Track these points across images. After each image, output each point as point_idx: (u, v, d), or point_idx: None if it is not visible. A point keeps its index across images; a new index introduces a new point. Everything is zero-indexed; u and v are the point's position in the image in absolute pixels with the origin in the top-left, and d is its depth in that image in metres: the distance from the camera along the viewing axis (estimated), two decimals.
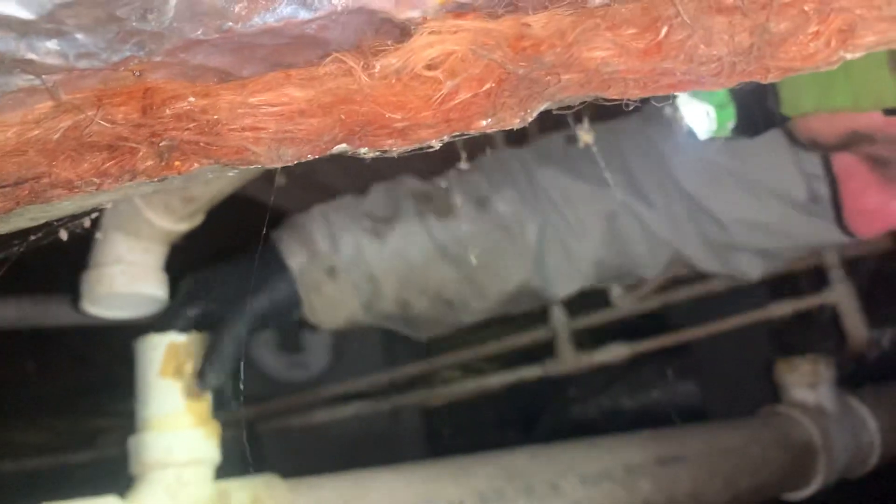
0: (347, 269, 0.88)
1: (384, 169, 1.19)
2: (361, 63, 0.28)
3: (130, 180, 0.29)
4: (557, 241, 0.94)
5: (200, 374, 0.73)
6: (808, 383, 1.10)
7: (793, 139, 0.72)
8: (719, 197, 0.92)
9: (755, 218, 0.92)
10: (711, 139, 0.68)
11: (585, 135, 0.78)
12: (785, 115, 0.62)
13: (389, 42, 0.28)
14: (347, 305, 0.90)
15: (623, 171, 0.93)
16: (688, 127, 0.67)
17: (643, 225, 0.94)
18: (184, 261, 0.86)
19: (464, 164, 0.91)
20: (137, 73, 0.28)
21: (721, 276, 1.22)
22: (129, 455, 0.71)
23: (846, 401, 1.14)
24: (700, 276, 1.43)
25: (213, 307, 0.81)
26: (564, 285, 0.97)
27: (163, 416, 0.72)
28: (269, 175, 0.96)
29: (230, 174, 0.54)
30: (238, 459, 0.74)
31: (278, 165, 0.30)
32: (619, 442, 0.93)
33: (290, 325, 0.93)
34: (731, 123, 0.65)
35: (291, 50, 0.29)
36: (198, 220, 0.82)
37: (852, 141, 0.63)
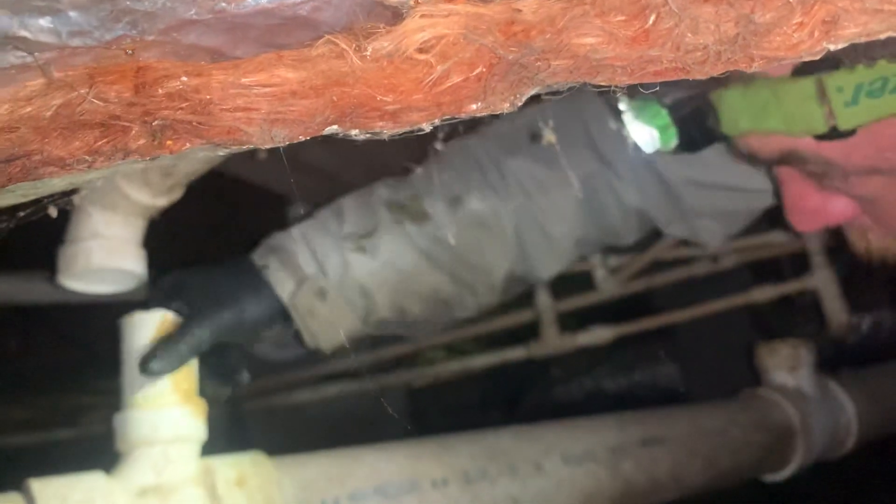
0: (338, 288, 0.90)
1: (372, 147, 1.19)
2: (353, 45, 0.28)
3: (122, 159, 0.29)
4: (535, 228, 0.96)
5: (146, 358, 0.72)
6: (788, 367, 1.12)
7: (734, 152, 0.75)
8: (674, 163, 0.95)
9: (706, 180, 0.96)
10: (657, 152, 0.72)
11: (549, 134, 0.81)
12: (725, 134, 0.65)
13: (381, 25, 0.29)
14: (344, 322, 0.92)
15: (589, 146, 0.96)
16: (634, 143, 0.71)
17: (615, 195, 0.97)
18: (163, 235, 0.86)
19: (436, 151, 0.94)
20: (130, 52, 0.28)
21: (685, 240, 1.26)
22: (114, 432, 0.71)
23: (825, 384, 1.16)
24: (683, 261, 1.44)
25: (187, 308, 0.81)
26: (549, 267, 1.00)
27: (149, 394, 0.72)
28: (249, 151, 0.96)
29: (220, 153, 0.54)
30: (224, 438, 0.74)
31: (270, 146, 0.30)
32: (602, 423, 0.94)
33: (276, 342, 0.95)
34: (673, 143, 0.68)
35: (284, 31, 0.29)
36: (176, 194, 0.82)
37: (787, 159, 0.67)
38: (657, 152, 0.71)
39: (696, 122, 0.67)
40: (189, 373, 0.75)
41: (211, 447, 0.72)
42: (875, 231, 0.74)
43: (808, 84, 0.57)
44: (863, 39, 0.26)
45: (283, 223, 1.37)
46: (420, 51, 0.28)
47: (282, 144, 0.30)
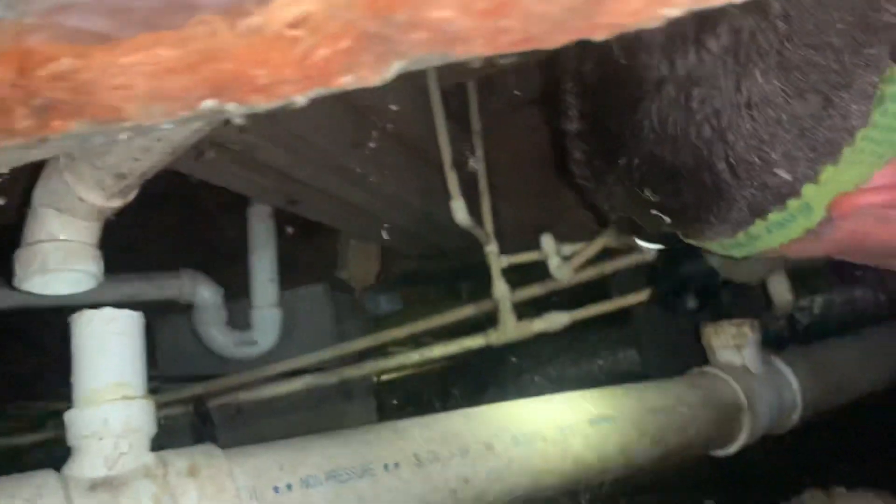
0: None
1: (321, 143, 1.20)
2: (226, 23, 0.30)
3: (8, 140, 0.31)
4: None
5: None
6: (734, 345, 1.15)
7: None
8: None
9: None
10: None
11: None
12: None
13: (254, 4, 0.30)
14: None
15: None
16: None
17: None
18: (121, 236, 0.87)
19: None
20: (12, 35, 0.29)
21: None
22: (67, 429, 0.72)
23: (771, 361, 1.19)
24: (633, 248, 1.47)
25: None
26: None
27: (98, 389, 0.73)
28: (198, 151, 0.97)
29: (158, 147, 0.55)
30: (186, 434, 0.75)
31: (151, 122, 0.32)
32: (551, 402, 0.96)
33: None
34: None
35: (167, 13, 0.31)
36: (130, 196, 0.83)
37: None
38: None
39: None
40: (138, 367, 0.75)
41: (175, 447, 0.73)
42: None
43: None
44: (698, 7, 0.28)
45: (239, 222, 1.38)
46: (289, 26, 0.29)
47: (161, 121, 0.31)
